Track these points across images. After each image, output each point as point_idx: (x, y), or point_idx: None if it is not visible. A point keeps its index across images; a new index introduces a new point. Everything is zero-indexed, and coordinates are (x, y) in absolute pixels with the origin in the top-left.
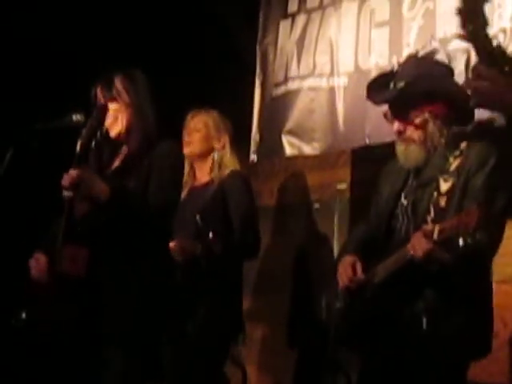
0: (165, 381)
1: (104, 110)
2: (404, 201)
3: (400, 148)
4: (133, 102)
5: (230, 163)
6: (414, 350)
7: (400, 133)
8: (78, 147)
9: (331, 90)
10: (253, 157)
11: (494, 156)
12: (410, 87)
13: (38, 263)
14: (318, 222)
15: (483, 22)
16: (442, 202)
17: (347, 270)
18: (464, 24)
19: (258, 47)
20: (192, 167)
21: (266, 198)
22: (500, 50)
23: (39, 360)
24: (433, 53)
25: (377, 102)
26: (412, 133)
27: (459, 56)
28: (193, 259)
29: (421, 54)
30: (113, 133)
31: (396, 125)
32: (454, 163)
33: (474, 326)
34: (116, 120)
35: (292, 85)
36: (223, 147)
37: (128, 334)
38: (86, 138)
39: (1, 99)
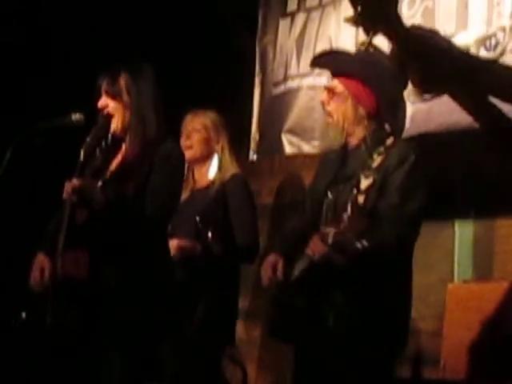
0: (165, 381)
1: (109, 119)
2: (330, 195)
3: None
4: (133, 104)
5: (230, 164)
6: (327, 348)
7: (323, 104)
8: (82, 155)
9: None
10: (252, 155)
11: (412, 153)
12: (338, 58)
13: (40, 272)
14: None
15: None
16: (361, 199)
17: (267, 270)
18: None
19: (257, 46)
20: (190, 169)
21: (266, 196)
22: None
23: (40, 360)
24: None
25: (311, 65)
26: (332, 109)
27: None
28: (192, 259)
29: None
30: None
31: (323, 95)
32: (377, 160)
33: (379, 325)
34: (112, 118)
35: (292, 83)
36: (222, 148)
37: (128, 334)
38: (90, 146)
39: (1, 98)
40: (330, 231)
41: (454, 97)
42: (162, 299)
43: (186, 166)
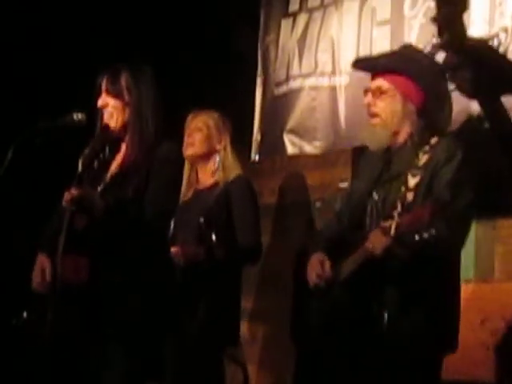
0: (165, 380)
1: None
2: (375, 195)
3: (367, 128)
4: (133, 104)
5: (233, 165)
6: (378, 348)
7: (369, 106)
8: (80, 166)
9: (333, 89)
10: (254, 156)
11: (460, 150)
12: (379, 58)
13: (42, 274)
14: (319, 220)
15: (461, 31)
16: (410, 197)
17: (316, 268)
18: (440, 33)
19: (259, 46)
20: (194, 169)
21: (267, 196)
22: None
23: (41, 360)
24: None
25: (355, 67)
26: (380, 109)
27: None
28: (195, 263)
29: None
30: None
31: (367, 97)
32: (423, 158)
33: (434, 323)
34: (111, 116)
35: (293, 84)
36: (225, 148)
37: (129, 334)
38: (88, 159)
39: (3, 98)
40: (392, 223)
41: (493, 101)
42: (163, 300)
43: (189, 165)
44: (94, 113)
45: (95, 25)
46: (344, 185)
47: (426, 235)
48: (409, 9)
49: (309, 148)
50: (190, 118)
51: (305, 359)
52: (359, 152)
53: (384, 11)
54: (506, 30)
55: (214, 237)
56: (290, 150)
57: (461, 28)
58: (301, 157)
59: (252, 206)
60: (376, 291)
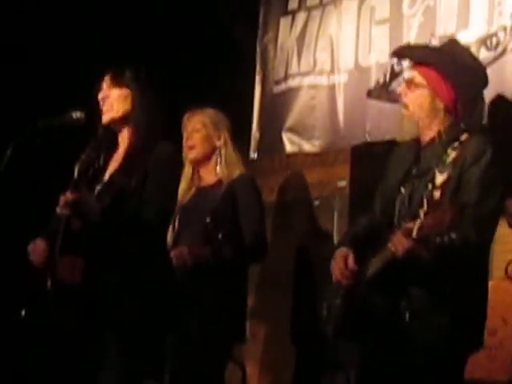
0: (166, 380)
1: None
2: (403, 191)
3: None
4: (136, 97)
5: (235, 160)
6: (400, 348)
7: (400, 95)
8: (76, 172)
9: (331, 88)
10: (253, 154)
11: (490, 149)
12: (419, 49)
13: (37, 248)
14: (317, 218)
15: None
16: (437, 194)
17: (339, 264)
18: None
19: (258, 44)
20: (196, 170)
21: (266, 194)
22: None
23: (40, 358)
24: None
25: (394, 55)
26: (409, 100)
27: None
28: (202, 263)
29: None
30: (106, 118)
31: (401, 87)
32: (452, 155)
33: (460, 325)
34: (111, 108)
35: (292, 82)
36: (225, 144)
37: (127, 334)
38: (84, 165)
39: (2, 97)
40: (415, 225)
41: None
42: (161, 300)
43: (191, 166)
44: (93, 112)
45: (95, 24)
46: (342, 183)
47: (446, 238)
48: (408, 7)
49: (308, 146)
50: (186, 118)
51: (305, 358)
52: (358, 150)
53: (383, 10)
54: (504, 29)
55: (220, 236)
56: (289, 148)
57: None
58: (299, 155)
59: (257, 204)
60: (401, 291)
